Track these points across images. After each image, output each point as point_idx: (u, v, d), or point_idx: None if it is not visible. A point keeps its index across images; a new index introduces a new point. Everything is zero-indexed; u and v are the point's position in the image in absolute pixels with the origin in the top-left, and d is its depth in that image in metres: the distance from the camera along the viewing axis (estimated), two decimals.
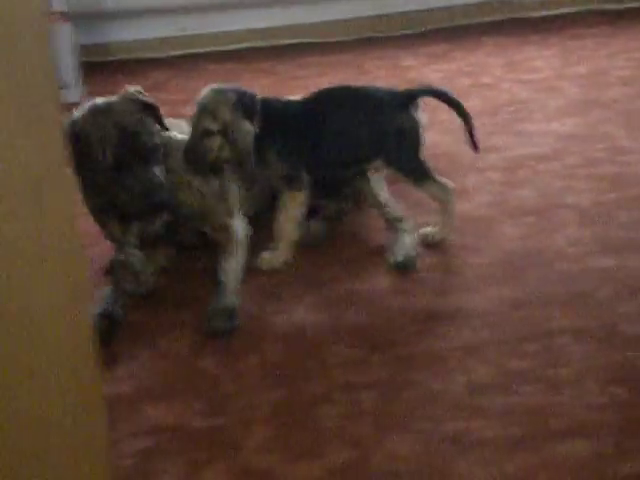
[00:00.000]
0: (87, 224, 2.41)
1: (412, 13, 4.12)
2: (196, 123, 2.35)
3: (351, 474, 1.81)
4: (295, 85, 3.53)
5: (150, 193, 2.25)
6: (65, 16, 3.50)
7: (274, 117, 2.40)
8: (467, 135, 2.44)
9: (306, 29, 4.07)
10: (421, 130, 2.42)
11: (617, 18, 4.05)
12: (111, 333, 2.23)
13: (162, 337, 2.24)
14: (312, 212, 2.54)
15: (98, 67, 3.89)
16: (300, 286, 2.39)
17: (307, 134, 2.40)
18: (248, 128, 2.35)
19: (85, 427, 1.48)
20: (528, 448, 1.83)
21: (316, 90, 2.48)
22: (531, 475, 1.77)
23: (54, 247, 1.37)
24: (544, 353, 2.09)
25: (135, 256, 2.37)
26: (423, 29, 4.10)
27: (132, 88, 2.33)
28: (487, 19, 4.15)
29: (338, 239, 2.57)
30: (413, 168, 2.43)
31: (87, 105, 2.29)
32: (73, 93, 3.47)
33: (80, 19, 3.76)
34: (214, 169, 2.38)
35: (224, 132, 2.34)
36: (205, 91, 2.37)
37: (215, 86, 2.39)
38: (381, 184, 2.55)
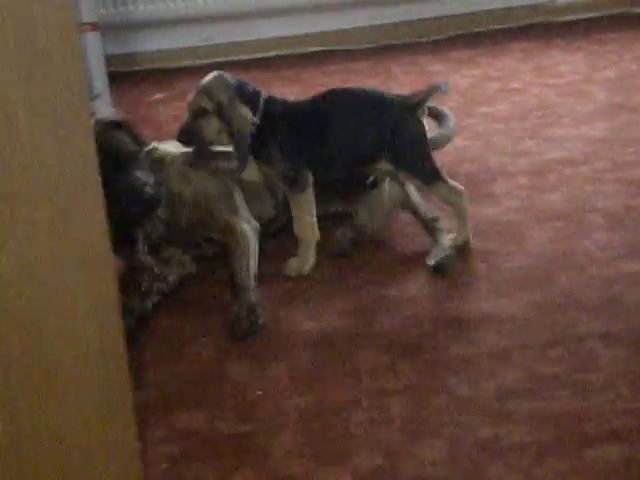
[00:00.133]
0: None
1: (438, 19, 4.12)
2: (192, 102, 2.38)
3: None
4: None
5: (138, 192, 2.34)
6: (94, 26, 3.52)
7: (279, 115, 2.41)
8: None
9: (331, 36, 4.08)
10: (427, 132, 2.44)
11: None
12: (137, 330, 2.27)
13: (190, 343, 2.25)
14: (341, 219, 2.54)
15: (125, 77, 3.92)
16: (329, 292, 2.39)
17: (311, 133, 2.41)
18: (245, 112, 2.36)
19: (114, 433, 1.49)
20: (558, 453, 1.81)
21: (322, 91, 2.50)
22: None
23: (85, 252, 1.39)
24: (573, 358, 2.07)
25: (149, 262, 2.42)
26: (449, 35, 4.11)
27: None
28: (513, 25, 4.15)
29: (367, 245, 2.57)
30: (421, 169, 2.42)
31: None
32: (103, 103, 3.49)
33: (107, 29, 3.78)
34: (206, 153, 2.41)
35: (220, 114, 2.35)
36: (208, 76, 2.40)
37: (218, 72, 2.41)
38: (411, 187, 2.55)
